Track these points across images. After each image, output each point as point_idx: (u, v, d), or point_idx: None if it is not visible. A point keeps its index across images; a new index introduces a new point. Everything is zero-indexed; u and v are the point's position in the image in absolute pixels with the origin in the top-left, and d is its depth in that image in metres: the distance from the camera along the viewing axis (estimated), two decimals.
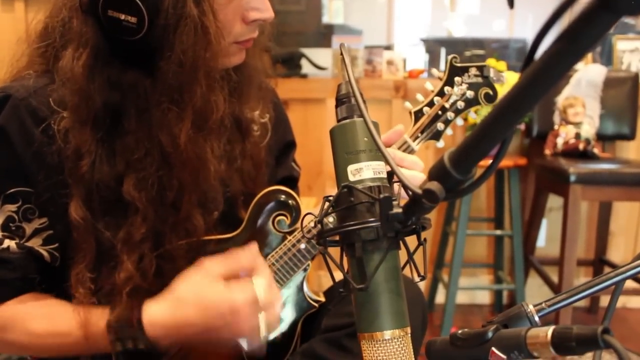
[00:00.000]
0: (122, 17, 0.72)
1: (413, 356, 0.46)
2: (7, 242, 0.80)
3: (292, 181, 1.12)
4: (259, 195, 0.95)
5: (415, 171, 0.81)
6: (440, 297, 2.63)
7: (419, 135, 0.91)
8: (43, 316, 0.82)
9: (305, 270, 0.95)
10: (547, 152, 2.39)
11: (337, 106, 0.50)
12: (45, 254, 0.83)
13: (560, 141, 2.36)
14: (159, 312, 0.79)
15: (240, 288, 0.78)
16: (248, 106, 0.96)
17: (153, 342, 0.79)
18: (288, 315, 0.97)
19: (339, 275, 0.49)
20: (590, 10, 0.27)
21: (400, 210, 0.43)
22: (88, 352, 0.83)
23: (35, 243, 0.82)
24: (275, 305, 0.81)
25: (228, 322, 0.77)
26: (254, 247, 0.86)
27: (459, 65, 0.90)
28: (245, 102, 0.95)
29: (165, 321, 0.79)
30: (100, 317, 0.80)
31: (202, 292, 0.78)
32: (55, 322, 0.82)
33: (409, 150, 0.90)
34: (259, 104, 1.01)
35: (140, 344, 0.78)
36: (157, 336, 0.79)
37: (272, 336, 0.81)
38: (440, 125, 0.91)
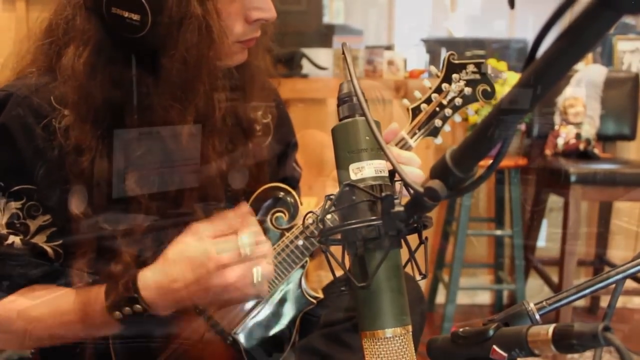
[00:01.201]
0: (126, 14, 0.73)
1: (414, 354, 0.46)
2: (12, 238, 0.81)
3: (293, 182, 1.13)
4: (257, 192, 0.96)
5: (412, 167, 0.81)
6: (440, 297, 2.63)
7: (417, 131, 0.91)
8: (43, 301, 0.83)
9: (303, 266, 0.96)
10: (548, 152, 2.40)
11: (339, 105, 0.50)
12: (49, 250, 0.83)
13: (560, 141, 2.36)
14: (150, 275, 0.79)
15: (222, 242, 0.78)
16: (251, 106, 0.97)
17: (149, 304, 0.78)
18: (287, 312, 0.97)
19: (340, 274, 0.49)
20: (592, 9, 0.27)
21: (401, 208, 0.43)
22: (88, 331, 0.83)
23: (39, 240, 0.83)
24: (266, 256, 0.80)
25: (211, 271, 0.76)
26: (243, 206, 0.86)
27: (456, 62, 0.89)
28: (247, 102, 0.95)
29: (156, 281, 0.78)
30: (99, 292, 0.80)
31: (188, 249, 0.78)
32: (54, 303, 0.82)
33: (406, 146, 0.90)
34: (262, 104, 1.02)
35: (137, 306, 0.77)
36: (152, 298, 0.78)
37: (270, 287, 0.81)
38: (437, 122, 0.91)
